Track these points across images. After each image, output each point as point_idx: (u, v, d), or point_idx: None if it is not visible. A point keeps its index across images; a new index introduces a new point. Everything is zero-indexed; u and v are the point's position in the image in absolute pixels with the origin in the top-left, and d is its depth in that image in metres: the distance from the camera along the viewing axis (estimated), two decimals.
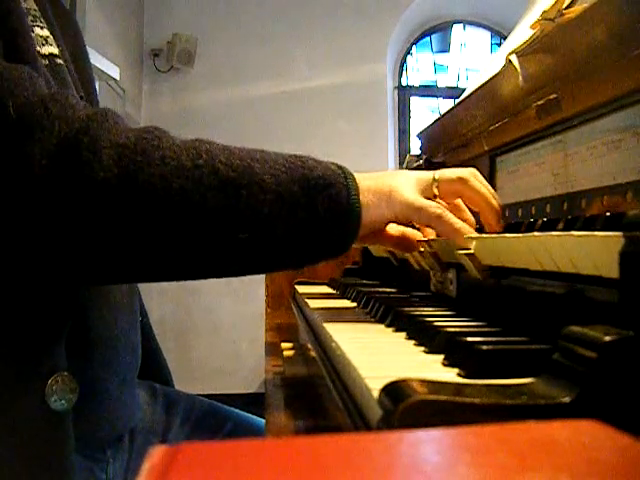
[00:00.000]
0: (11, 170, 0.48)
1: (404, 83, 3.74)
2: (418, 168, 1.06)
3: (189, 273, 0.55)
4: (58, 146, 0.48)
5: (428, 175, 0.59)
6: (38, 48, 0.65)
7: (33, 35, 0.64)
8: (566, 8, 0.65)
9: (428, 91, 3.79)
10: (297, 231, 0.52)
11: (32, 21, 0.67)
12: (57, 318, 0.58)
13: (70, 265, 0.53)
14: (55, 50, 0.69)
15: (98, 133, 0.49)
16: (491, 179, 0.80)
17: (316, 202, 0.51)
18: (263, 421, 0.84)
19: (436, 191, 0.58)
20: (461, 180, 0.58)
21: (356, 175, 0.55)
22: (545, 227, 0.49)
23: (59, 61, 0.68)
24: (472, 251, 0.51)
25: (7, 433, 0.55)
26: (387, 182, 0.56)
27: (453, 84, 3.79)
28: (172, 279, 0.58)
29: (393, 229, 0.63)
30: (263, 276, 1.25)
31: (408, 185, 0.57)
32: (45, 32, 0.69)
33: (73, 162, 0.48)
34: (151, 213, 0.49)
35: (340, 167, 0.55)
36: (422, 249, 0.65)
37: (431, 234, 0.65)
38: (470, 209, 0.61)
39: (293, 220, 0.51)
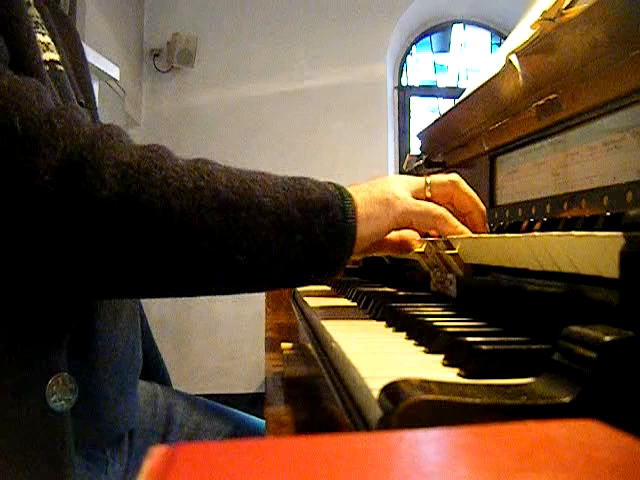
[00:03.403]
0: (15, 184, 0.48)
1: (404, 83, 3.74)
2: (418, 168, 1.06)
3: (187, 292, 0.56)
4: (62, 162, 0.49)
5: (420, 179, 0.61)
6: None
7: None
8: (566, 8, 0.65)
9: (428, 91, 3.79)
10: (293, 253, 0.52)
11: (34, 27, 0.67)
12: (60, 321, 0.58)
13: (68, 279, 0.53)
14: (56, 56, 0.69)
15: (102, 151, 0.50)
16: (491, 179, 0.80)
17: (313, 224, 0.52)
18: (263, 422, 0.84)
19: (428, 194, 0.61)
20: (452, 183, 0.61)
21: (352, 190, 0.56)
22: (545, 227, 0.49)
23: (59, 67, 0.69)
24: (456, 251, 0.55)
25: (7, 432, 0.55)
26: (383, 190, 0.58)
27: (453, 84, 3.79)
28: (169, 296, 0.58)
29: (391, 234, 0.64)
30: None
31: (404, 191, 0.59)
32: (46, 39, 0.69)
33: (76, 179, 0.48)
34: (150, 233, 0.50)
35: (338, 187, 0.55)
36: (420, 249, 0.65)
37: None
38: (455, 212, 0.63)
39: (290, 242, 0.52)
